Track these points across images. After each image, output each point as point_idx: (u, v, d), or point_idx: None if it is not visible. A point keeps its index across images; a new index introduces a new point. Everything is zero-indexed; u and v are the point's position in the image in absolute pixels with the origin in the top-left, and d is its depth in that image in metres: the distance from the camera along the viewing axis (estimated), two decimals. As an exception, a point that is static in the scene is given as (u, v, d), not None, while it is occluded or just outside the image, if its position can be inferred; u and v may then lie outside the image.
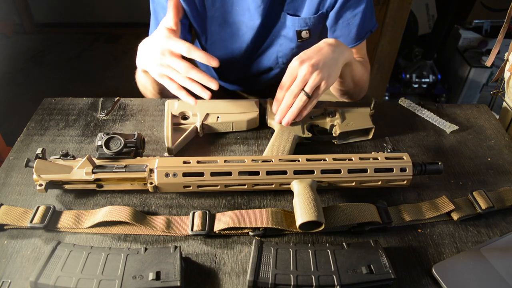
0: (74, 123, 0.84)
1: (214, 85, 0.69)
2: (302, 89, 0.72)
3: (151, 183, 0.64)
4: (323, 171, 0.65)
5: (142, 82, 0.89)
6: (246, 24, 0.91)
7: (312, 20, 0.89)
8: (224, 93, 1.17)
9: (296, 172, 0.65)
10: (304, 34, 0.92)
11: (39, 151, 0.65)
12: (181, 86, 0.71)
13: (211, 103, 0.83)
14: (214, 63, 0.69)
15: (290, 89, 0.73)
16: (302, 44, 0.94)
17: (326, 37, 0.97)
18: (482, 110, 0.92)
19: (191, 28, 0.95)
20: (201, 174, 0.64)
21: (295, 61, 0.72)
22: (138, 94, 0.95)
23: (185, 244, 0.62)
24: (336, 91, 0.95)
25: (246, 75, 1.07)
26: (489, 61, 0.98)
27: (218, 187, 0.65)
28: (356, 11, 0.86)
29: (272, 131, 0.80)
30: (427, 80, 2.22)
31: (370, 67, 0.99)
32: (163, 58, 0.71)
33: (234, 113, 0.81)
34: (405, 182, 0.68)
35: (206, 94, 0.69)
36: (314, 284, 0.53)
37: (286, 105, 0.74)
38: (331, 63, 0.73)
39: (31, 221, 0.61)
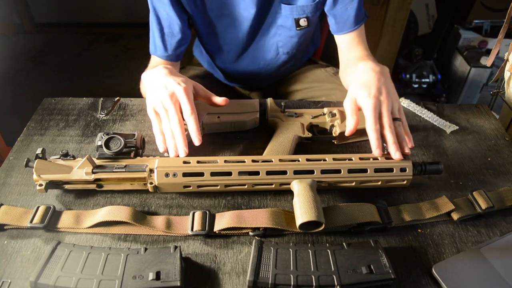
0: (74, 123, 0.84)
1: (184, 152, 0.67)
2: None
3: (151, 183, 0.64)
4: (323, 171, 0.65)
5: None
6: (241, 14, 0.92)
7: (309, 8, 0.90)
8: (226, 90, 1.17)
9: (296, 172, 0.65)
10: (302, 22, 0.93)
11: (39, 151, 0.65)
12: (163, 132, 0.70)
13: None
14: (196, 140, 0.68)
15: (386, 128, 0.68)
16: (301, 32, 0.95)
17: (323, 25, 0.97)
18: (482, 110, 0.92)
19: (190, 22, 0.95)
20: (201, 174, 0.64)
21: (368, 100, 0.69)
22: (138, 94, 0.95)
23: (185, 244, 0.62)
24: None
25: (249, 68, 1.07)
26: (489, 61, 0.98)
27: (218, 187, 0.65)
28: None
29: (272, 131, 0.80)
30: (427, 80, 2.22)
31: None
32: (164, 94, 0.68)
33: (234, 113, 0.81)
34: (405, 182, 0.68)
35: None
36: (314, 284, 0.53)
37: (394, 140, 0.69)
38: (390, 85, 0.75)
39: (31, 221, 0.61)
